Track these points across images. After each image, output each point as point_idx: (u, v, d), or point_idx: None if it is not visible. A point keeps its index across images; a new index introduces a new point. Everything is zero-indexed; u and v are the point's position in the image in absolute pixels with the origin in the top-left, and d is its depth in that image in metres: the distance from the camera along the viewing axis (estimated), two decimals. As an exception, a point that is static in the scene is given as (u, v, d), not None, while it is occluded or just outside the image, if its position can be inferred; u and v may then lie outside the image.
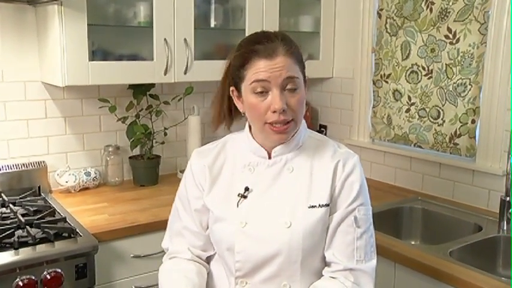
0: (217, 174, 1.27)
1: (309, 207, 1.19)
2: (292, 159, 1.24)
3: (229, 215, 1.22)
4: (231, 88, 1.23)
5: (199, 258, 1.30)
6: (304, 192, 1.21)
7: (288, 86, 1.14)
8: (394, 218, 2.11)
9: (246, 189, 1.23)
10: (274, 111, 1.13)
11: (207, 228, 1.29)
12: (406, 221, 2.17)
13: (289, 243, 1.16)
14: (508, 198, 1.85)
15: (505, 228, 1.87)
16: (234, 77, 1.20)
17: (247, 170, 1.25)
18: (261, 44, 1.14)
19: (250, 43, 1.17)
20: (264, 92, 1.14)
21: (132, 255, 1.91)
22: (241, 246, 1.18)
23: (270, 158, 1.25)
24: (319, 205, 1.19)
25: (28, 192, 2.14)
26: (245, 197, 1.22)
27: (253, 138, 1.25)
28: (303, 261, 1.17)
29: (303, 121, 1.26)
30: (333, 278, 1.18)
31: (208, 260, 1.32)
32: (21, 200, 2.05)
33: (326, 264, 1.22)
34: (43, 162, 2.24)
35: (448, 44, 2.16)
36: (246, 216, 1.19)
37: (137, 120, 2.38)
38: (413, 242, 2.13)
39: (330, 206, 1.20)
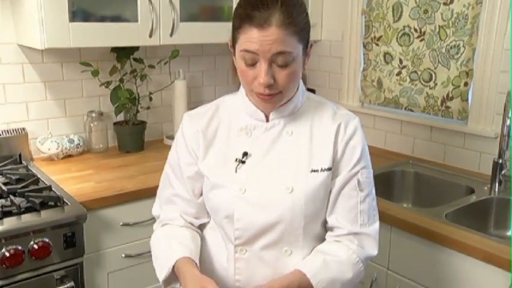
0: (211, 139, 1.21)
1: (311, 171, 1.15)
2: (291, 122, 1.19)
3: (227, 181, 1.16)
4: (229, 43, 1.15)
5: (191, 225, 1.26)
6: (305, 156, 1.16)
7: (278, 62, 1.06)
8: (385, 181, 2.10)
9: (245, 154, 1.17)
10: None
11: (200, 195, 1.24)
12: (397, 184, 2.16)
13: (291, 209, 1.12)
14: (500, 160, 1.85)
15: (496, 189, 1.87)
16: (232, 34, 1.13)
17: (243, 133, 1.19)
18: (256, 9, 1.03)
19: (247, 5, 1.06)
20: (252, 63, 1.07)
21: (121, 223, 1.86)
22: (241, 213, 1.14)
23: (267, 120, 1.19)
24: (322, 169, 1.15)
25: (8, 161, 2.05)
26: (243, 162, 1.17)
27: (249, 100, 1.19)
28: (305, 227, 1.14)
29: (301, 82, 1.21)
30: (337, 241, 1.15)
31: (201, 227, 1.28)
32: (2, 168, 1.97)
33: (328, 229, 1.19)
34: (23, 129, 2.14)
35: (441, 5, 2.11)
36: (245, 182, 1.14)
37: (121, 85, 2.28)
38: (405, 205, 2.13)
39: (332, 169, 1.16)
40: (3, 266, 1.53)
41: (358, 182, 1.16)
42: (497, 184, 1.87)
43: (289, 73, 1.08)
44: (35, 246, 1.58)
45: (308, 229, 1.15)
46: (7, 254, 1.52)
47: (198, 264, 1.13)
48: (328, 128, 1.18)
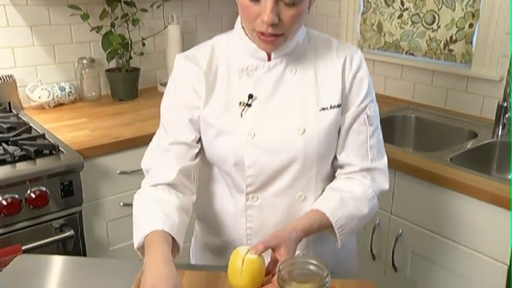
0: (213, 82, 1.12)
1: (320, 109, 1.10)
2: (293, 60, 1.12)
3: (233, 127, 1.09)
4: None
5: (186, 175, 1.11)
6: (312, 94, 1.11)
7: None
8: (386, 127, 2.02)
9: (250, 96, 1.10)
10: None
11: (198, 142, 1.15)
12: (398, 130, 2.14)
13: (304, 150, 1.08)
14: (505, 104, 1.82)
15: (500, 133, 1.85)
16: None
17: (245, 75, 1.11)
18: None
19: None
20: None
21: (118, 171, 1.81)
22: (251, 159, 1.08)
23: (269, 59, 1.12)
24: (331, 106, 1.10)
25: (-2, 109, 1.97)
26: (249, 105, 1.10)
27: (249, 39, 1.11)
28: (318, 168, 1.10)
29: None
30: (350, 178, 1.12)
31: (201, 180, 1.20)
32: (-8, 117, 1.90)
33: (338, 167, 1.15)
34: (11, 76, 2.05)
35: None
36: (253, 126, 1.08)
37: (112, 29, 2.18)
38: (406, 151, 2.11)
39: (342, 105, 1.11)
40: (2, 214, 1.49)
41: (367, 116, 1.12)
42: (500, 128, 1.84)
43: (296, 13, 1.01)
44: (32, 195, 1.54)
45: (321, 171, 1.12)
46: (4, 203, 1.48)
47: (178, 242, 0.99)
48: (333, 63, 1.12)
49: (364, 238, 1.76)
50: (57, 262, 1.18)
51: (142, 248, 0.98)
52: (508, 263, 1.41)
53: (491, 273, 1.47)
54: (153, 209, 1.02)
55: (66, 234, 1.63)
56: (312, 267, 0.89)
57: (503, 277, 1.43)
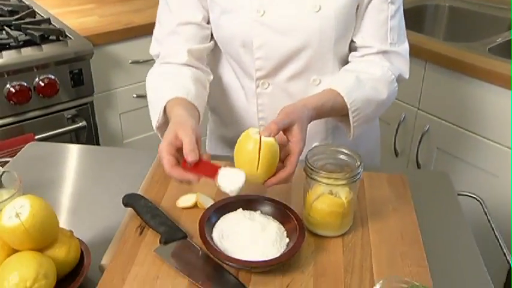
0: None
1: None
2: None
3: (240, 3, 0.96)
4: None
5: (198, 58, 1.01)
6: None
7: None
8: (416, 17, 1.90)
9: None
10: None
11: (208, 23, 1.02)
12: (429, 20, 1.97)
13: (320, 30, 0.95)
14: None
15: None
16: None
17: None
18: None
19: None
20: None
21: (130, 61, 1.72)
22: (260, 39, 0.97)
23: None
24: None
25: (-2, -8, 1.84)
26: None
27: None
28: (335, 50, 0.98)
29: None
30: (367, 60, 1.00)
31: (212, 65, 1.10)
32: (-8, -1, 1.77)
33: (354, 49, 1.03)
34: (10, -44, 1.88)
35: None
36: (263, 2, 0.95)
37: None
38: (435, 43, 1.97)
39: None
40: (11, 102, 1.43)
41: None
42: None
43: None
44: (41, 83, 1.46)
45: (338, 53, 1.00)
46: (13, 90, 1.41)
47: (198, 108, 0.91)
48: None
49: (388, 133, 1.69)
50: (71, 150, 1.13)
51: (162, 126, 0.92)
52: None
53: (522, 171, 1.40)
54: (165, 82, 0.95)
55: (78, 125, 1.58)
56: (342, 156, 0.81)
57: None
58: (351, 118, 0.93)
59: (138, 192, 0.89)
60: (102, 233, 0.84)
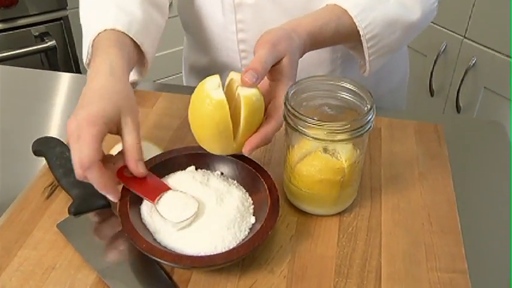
0: None
1: None
2: None
3: None
4: None
5: None
6: None
7: None
8: None
9: None
10: None
11: None
12: None
13: None
14: None
15: None
16: None
17: None
18: None
19: None
20: None
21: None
22: None
23: None
24: None
25: None
26: None
27: None
28: None
29: None
30: None
31: None
32: None
33: None
34: None
35: None
36: None
37: None
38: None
39: None
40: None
41: None
42: None
43: None
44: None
45: None
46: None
47: (141, 45, 0.63)
48: None
49: (422, 67, 1.40)
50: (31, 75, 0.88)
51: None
52: None
53: None
54: (104, 4, 0.65)
55: (47, 44, 1.34)
56: (345, 94, 0.53)
57: None
58: (365, 49, 0.63)
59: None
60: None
